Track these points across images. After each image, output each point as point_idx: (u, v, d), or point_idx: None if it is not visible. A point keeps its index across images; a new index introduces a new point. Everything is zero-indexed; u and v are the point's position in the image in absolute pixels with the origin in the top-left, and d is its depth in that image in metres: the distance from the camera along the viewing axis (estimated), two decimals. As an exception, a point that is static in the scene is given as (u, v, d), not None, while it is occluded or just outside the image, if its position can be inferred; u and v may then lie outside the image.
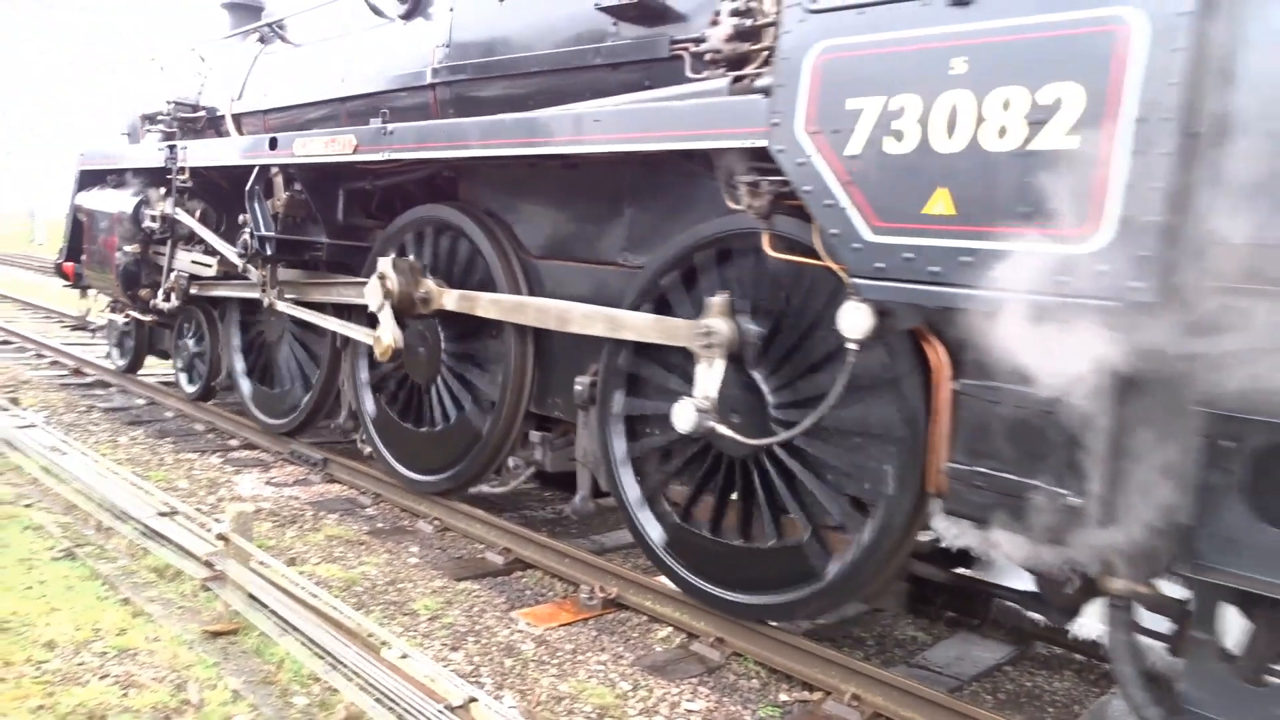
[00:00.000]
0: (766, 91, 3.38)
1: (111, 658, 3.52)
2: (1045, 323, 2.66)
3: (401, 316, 5.50)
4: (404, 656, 3.31)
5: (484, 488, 5.91)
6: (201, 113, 8.01)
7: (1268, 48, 2.40)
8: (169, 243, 7.76)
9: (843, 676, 3.75)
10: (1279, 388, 2.36)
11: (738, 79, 3.67)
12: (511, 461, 5.33)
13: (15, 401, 7.61)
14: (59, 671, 3.36)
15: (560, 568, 4.98)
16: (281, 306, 6.56)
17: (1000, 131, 2.76)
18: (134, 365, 9.20)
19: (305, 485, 6.43)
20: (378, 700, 3.13)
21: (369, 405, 6.18)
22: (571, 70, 4.76)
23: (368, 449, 6.19)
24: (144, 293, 8.12)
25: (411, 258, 5.64)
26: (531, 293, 5.12)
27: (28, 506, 5.37)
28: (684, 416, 3.85)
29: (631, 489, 4.52)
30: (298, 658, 3.50)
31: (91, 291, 9.29)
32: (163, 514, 5.08)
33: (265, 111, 7.34)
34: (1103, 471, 2.71)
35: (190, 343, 8.17)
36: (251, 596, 3.93)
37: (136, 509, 5.18)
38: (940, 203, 2.91)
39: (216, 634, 3.82)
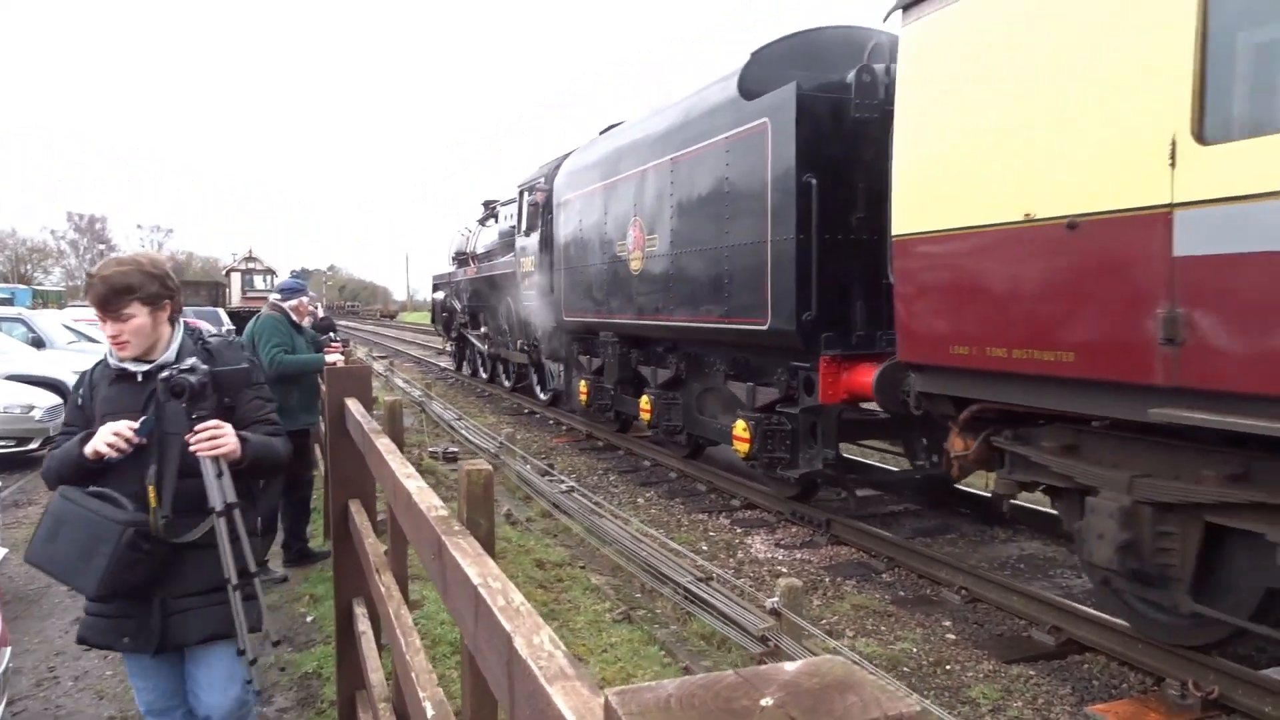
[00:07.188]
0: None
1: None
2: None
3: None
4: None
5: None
6: (465, 254, 17.89)
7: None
8: (453, 312, 18.99)
9: None
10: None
11: None
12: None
13: (552, 467, 8.73)
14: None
15: (1132, 654, 4.30)
16: (471, 337, 18.02)
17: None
18: (457, 366, 20.05)
19: (813, 547, 6.43)
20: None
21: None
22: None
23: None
24: (452, 333, 19.67)
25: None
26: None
27: (582, 568, 5.99)
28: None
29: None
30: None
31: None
32: (699, 579, 5.35)
33: (474, 255, 17.14)
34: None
35: (468, 354, 19.02)
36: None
37: (675, 572, 5.53)
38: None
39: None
